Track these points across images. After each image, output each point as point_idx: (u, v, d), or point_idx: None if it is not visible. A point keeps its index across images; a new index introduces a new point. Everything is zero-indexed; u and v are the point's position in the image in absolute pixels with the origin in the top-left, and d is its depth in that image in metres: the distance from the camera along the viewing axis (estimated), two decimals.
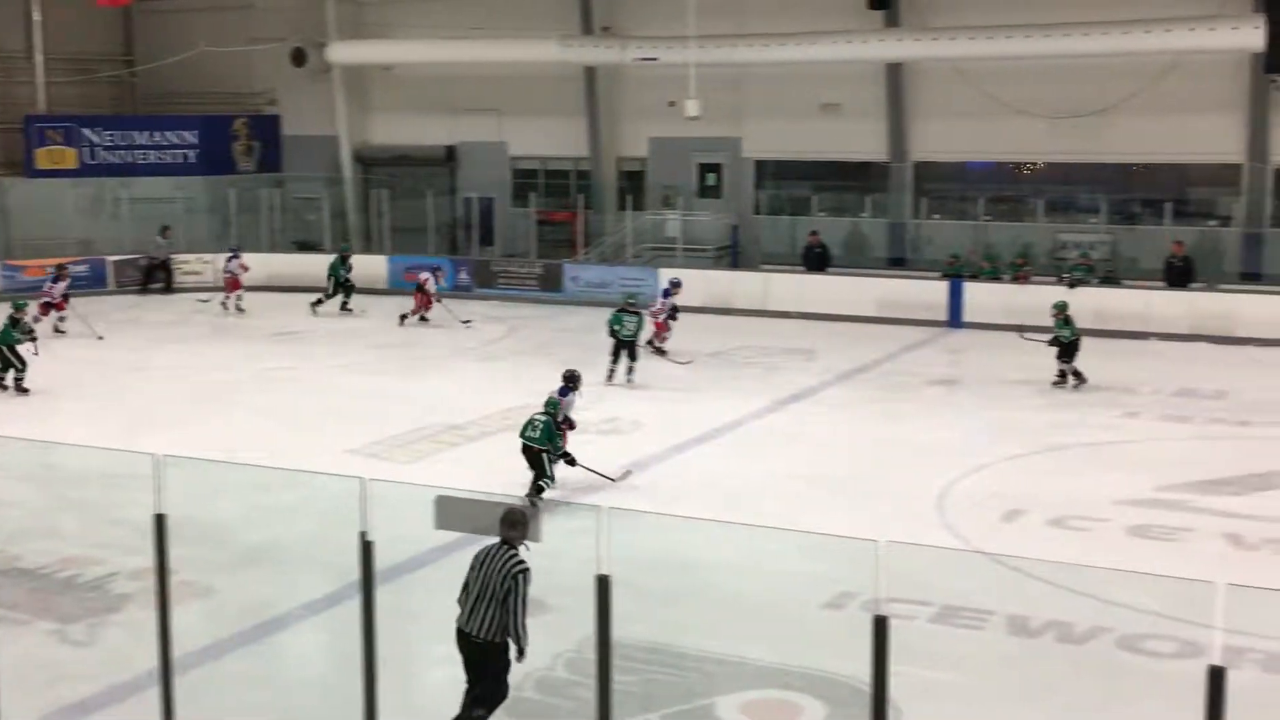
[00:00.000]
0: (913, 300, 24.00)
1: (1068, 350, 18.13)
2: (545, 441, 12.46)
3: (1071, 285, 23.17)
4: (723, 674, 8.82)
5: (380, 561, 6.74)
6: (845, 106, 27.80)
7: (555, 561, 8.49)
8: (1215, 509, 12.56)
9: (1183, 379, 18.58)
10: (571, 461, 12.79)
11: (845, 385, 18.60)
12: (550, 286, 27.23)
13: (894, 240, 27.58)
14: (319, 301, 25.10)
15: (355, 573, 6.72)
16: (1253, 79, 23.36)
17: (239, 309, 25.12)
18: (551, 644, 8.80)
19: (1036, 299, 23.12)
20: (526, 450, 12.49)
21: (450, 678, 7.71)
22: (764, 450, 15.10)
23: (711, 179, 29.68)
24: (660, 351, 20.16)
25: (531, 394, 17.68)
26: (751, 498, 12.85)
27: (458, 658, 7.58)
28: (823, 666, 8.66)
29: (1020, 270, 24.33)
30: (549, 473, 12.47)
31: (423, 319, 23.86)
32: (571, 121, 30.16)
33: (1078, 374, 18.04)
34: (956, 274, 24.35)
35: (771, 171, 29.54)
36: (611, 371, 18.39)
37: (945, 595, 9.92)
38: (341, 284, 25.41)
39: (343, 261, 25.71)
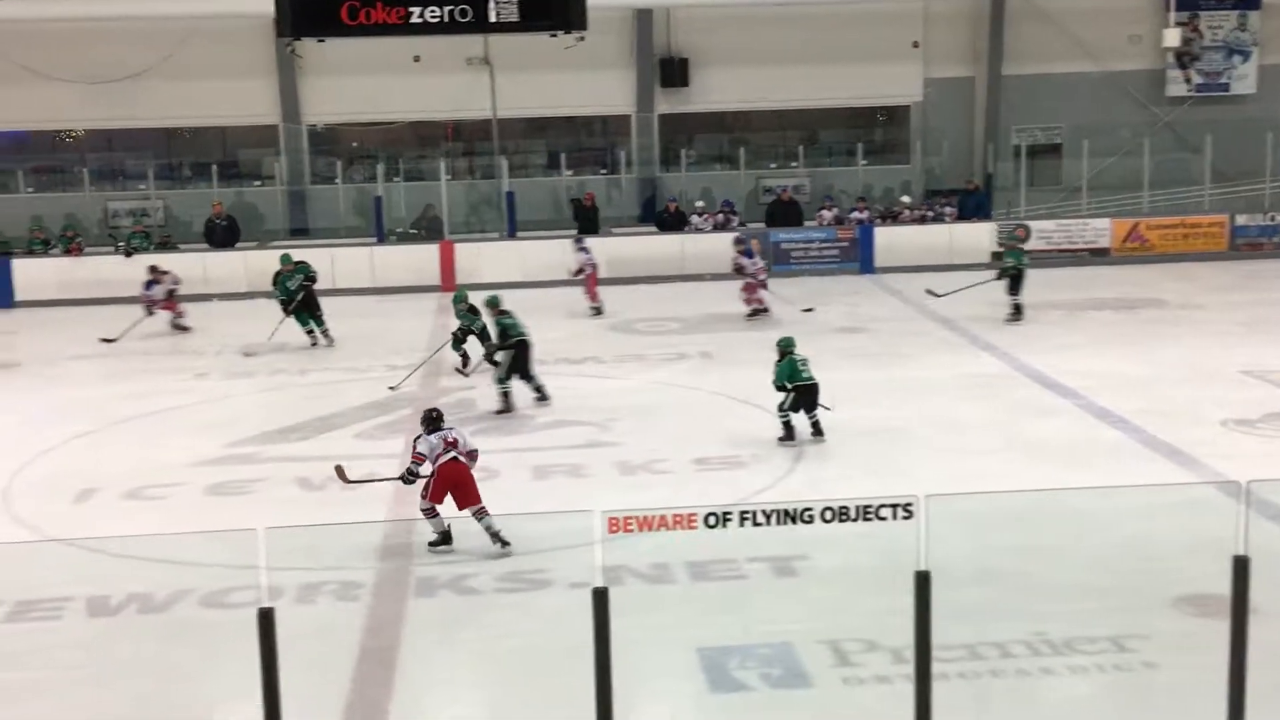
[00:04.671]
0: None
1: (1016, 281, 18.56)
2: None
3: (128, 254, 22.85)
4: None
5: None
6: None
7: None
8: (284, 455, 13.16)
9: (245, 336, 19.13)
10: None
11: None
12: None
13: None
14: None
15: None
16: (277, 43, 24.48)
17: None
18: None
19: (92, 271, 22.62)
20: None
21: None
22: None
23: None
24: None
25: None
26: None
27: None
28: None
29: (72, 242, 23.46)
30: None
31: None
32: None
33: (1019, 308, 18.60)
34: (4, 251, 22.90)
35: None
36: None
37: (18, 591, 9.41)
38: None
39: None
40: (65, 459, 13.27)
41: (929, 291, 19.49)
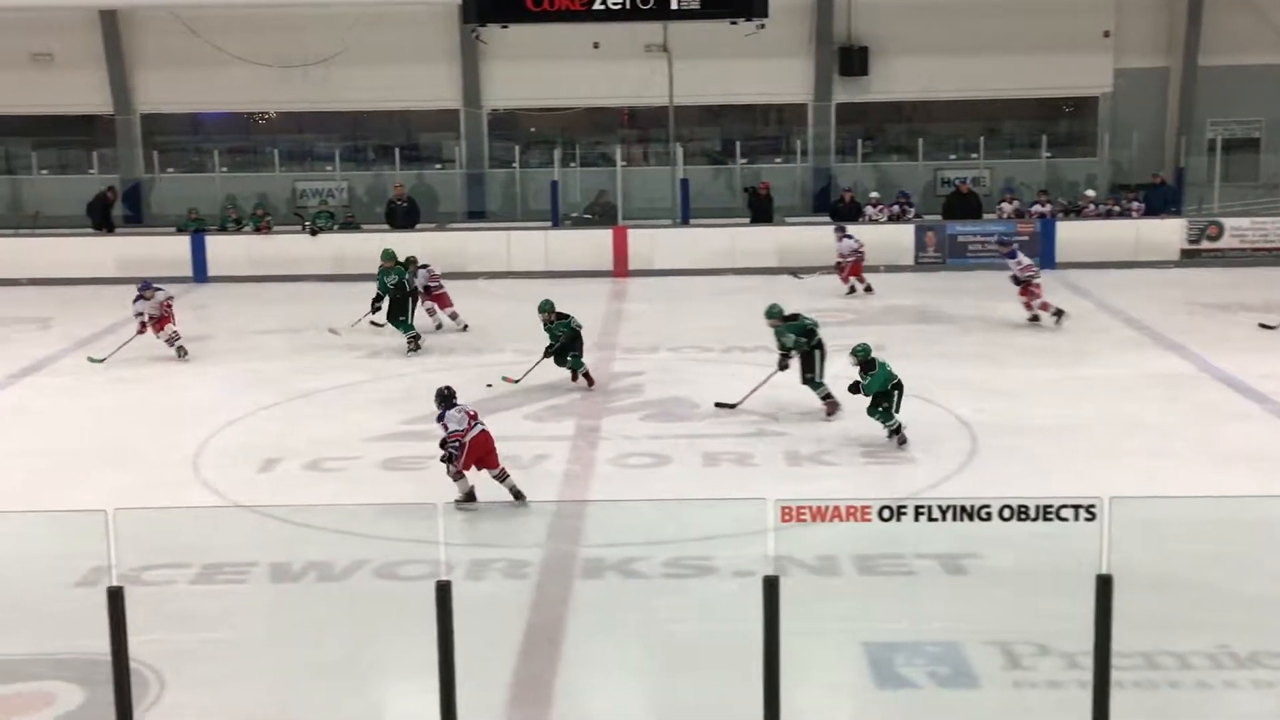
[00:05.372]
0: (155, 257, 23.19)
1: None
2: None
3: (314, 233, 23.56)
4: None
5: None
6: (60, 56, 26.18)
7: None
8: None
9: (422, 316, 19.47)
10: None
11: (86, 351, 17.60)
12: None
13: (132, 196, 26.46)
14: None
15: None
16: (461, 29, 24.94)
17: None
18: None
19: (280, 249, 23.39)
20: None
21: None
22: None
23: None
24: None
25: None
26: None
27: None
28: (80, 649, 8.22)
29: (262, 220, 24.31)
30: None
31: None
32: None
33: None
34: (198, 228, 23.85)
35: None
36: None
37: (206, 554, 9.79)
38: None
39: None
40: (251, 429, 13.75)
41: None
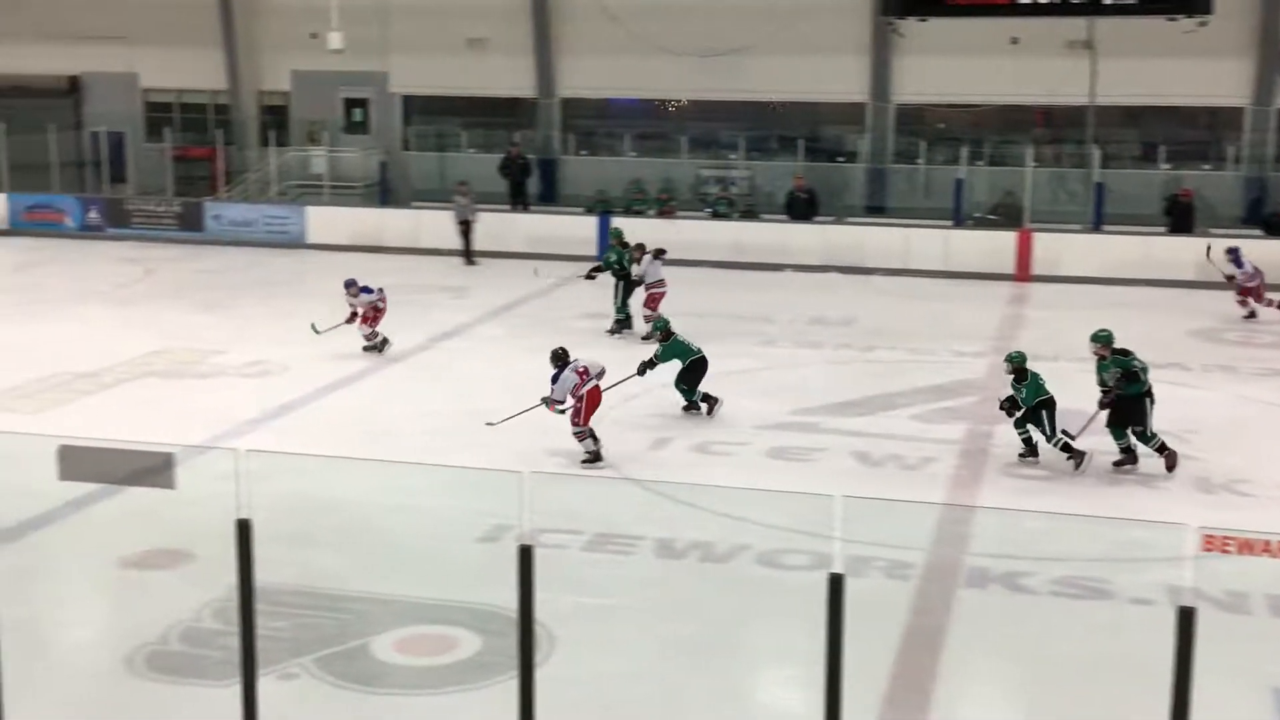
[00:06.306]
0: (564, 235, 24.26)
1: None
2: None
3: (714, 218, 24.03)
4: (376, 613, 8.74)
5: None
6: (492, 42, 27.79)
7: (198, 508, 8.16)
8: (844, 429, 13.31)
9: (815, 308, 19.56)
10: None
11: (497, 321, 18.67)
12: (190, 226, 25.98)
13: (547, 176, 27.83)
14: None
15: None
16: (874, 22, 24.72)
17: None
18: (197, 593, 8.54)
19: (681, 233, 23.94)
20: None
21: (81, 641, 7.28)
22: (415, 388, 14.97)
23: (358, 114, 29.13)
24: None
25: (169, 338, 17.03)
26: (402, 435, 12.73)
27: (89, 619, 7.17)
28: (478, 599, 8.70)
29: (665, 205, 24.99)
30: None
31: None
32: (208, 52, 28.88)
33: None
34: (605, 209, 24.78)
35: (419, 107, 29.26)
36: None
37: (596, 523, 10.15)
38: None
39: None
40: (647, 406, 14.08)
41: None
